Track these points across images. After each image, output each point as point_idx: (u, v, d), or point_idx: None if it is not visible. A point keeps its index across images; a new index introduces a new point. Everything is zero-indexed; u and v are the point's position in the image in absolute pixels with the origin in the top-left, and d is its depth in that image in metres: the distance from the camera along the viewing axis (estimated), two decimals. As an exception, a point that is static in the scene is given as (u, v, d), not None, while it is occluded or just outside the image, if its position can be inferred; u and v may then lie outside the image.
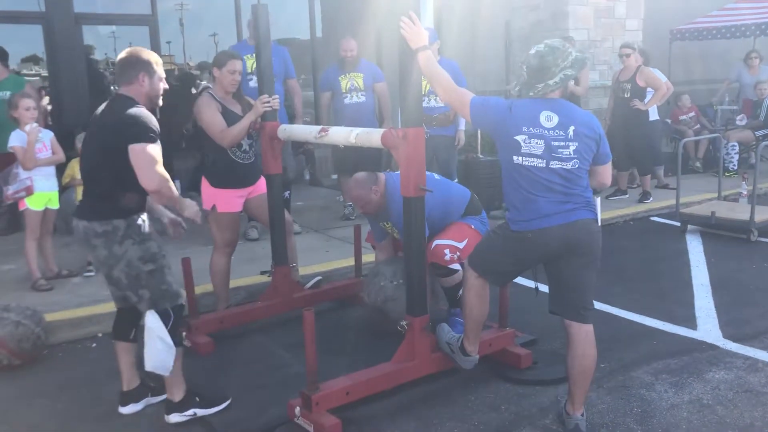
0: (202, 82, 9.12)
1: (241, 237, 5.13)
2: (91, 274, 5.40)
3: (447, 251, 4.06)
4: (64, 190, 5.54)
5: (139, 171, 3.11)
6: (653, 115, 8.30)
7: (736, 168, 9.43)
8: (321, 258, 5.80)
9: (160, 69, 3.37)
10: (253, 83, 6.02)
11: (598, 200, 6.45)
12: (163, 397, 3.53)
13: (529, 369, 3.85)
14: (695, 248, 6.36)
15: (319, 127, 4.01)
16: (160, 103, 3.42)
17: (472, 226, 4.22)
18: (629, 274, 5.67)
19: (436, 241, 4.07)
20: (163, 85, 3.39)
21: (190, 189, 7.29)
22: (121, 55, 3.34)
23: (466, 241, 4.10)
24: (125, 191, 3.23)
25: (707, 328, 4.46)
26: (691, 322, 4.58)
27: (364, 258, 5.09)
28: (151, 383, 3.64)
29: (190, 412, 3.44)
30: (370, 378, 3.48)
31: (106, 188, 3.24)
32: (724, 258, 6.03)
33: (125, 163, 3.12)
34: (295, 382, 3.64)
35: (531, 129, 3.03)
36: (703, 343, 4.22)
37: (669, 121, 10.12)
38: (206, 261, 4.70)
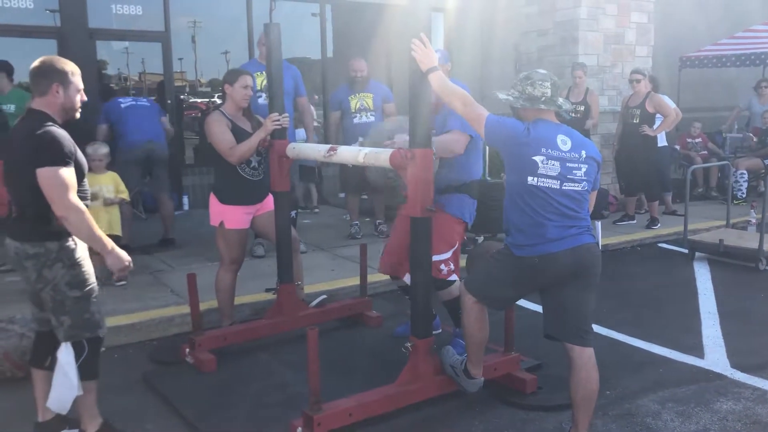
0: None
1: (247, 254, 5.13)
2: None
3: (443, 266, 4.01)
4: None
5: (49, 198, 2.95)
6: (662, 141, 8.30)
7: (744, 196, 9.40)
8: (326, 276, 5.79)
9: (77, 79, 3.15)
10: (262, 100, 6.07)
11: (599, 224, 6.48)
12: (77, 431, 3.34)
13: (534, 394, 3.82)
14: (703, 276, 6.31)
15: (328, 146, 4.02)
16: (77, 115, 3.20)
17: (456, 217, 4.08)
18: (636, 300, 5.62)
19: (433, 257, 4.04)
20: (81, 97, 3.18)
21: (200, 206, 7.36)
22: (34, 63, 3.10)
23: (456, 245, 4.10)
24: (43, 208, 3.01)
25: (715, 357, 4.41)
26: (698, 350, 4.53)
27: (370, 278, 5.08)
28: (69, 416, 3.37)
29: None
30: (373, 399, 3.45)
31: (35, 209, 3.03)
32: (732, 286, 5.98)
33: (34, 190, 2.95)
34: (298, 401, 3.62)
35: (549, 151, 3.07)
36: (711, 372, 4.17)
37: (677, 147, 10.12)
38: (211, 277, 4.70)
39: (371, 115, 6.92)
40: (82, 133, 6.37)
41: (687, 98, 10.74)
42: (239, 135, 4.41)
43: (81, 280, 3.13)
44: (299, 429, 3.25)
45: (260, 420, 3.58)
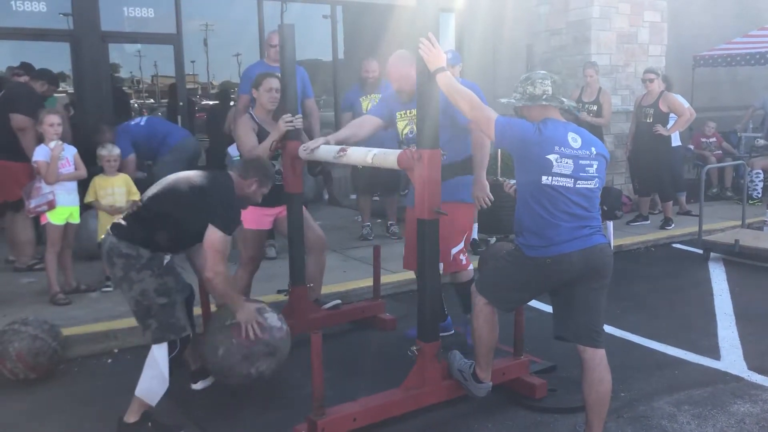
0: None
1: (259, 255, 5.12)
2: (109, 289, 5.42)
3: (462, 257, 4.16)
4: (86, 207, 5.58)
5: (205, 256, 3.41)
6: (675, 141, 8.23)
7: (760, 195, 9.30)
8: (338, 278, 5.78)
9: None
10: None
11: (611, 225, 6.43)
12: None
13: (548, 396, 3.78)
14: (718, 276, 6.25)
15: (338, 147, 4.01)
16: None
17: (466, 202, 4.15)
18: (650, 301, 5.57)
19: (452, 250, 4.10)
20: None
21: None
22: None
23: (468, 230, 4.26)
24: (167, 234, 3.40)
25: (731, 358, 4.36)
26: (714, 352, 4.48)
27: (383, 279, 5.06)
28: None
29: None
30: (378, 404, 3.43)
31: (151, 223, 3.40)
32: (748, 287, 5.91)
33: (194, 226, 3.39)
34: (303, 404, 3.59)
35: (562, 149, 3.06)
36: (727, 374, 4.12)
37: (691, 147, 10.03)
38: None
39: (382, 116, 6.89)
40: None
41: (701, 98, 10.65)
42: (264, 138, 4.43)
43: (168, 288, 3.40)
44: (303, 434, 3.24)
45: (266, 423, 3.57)
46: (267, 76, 4.52)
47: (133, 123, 6.90)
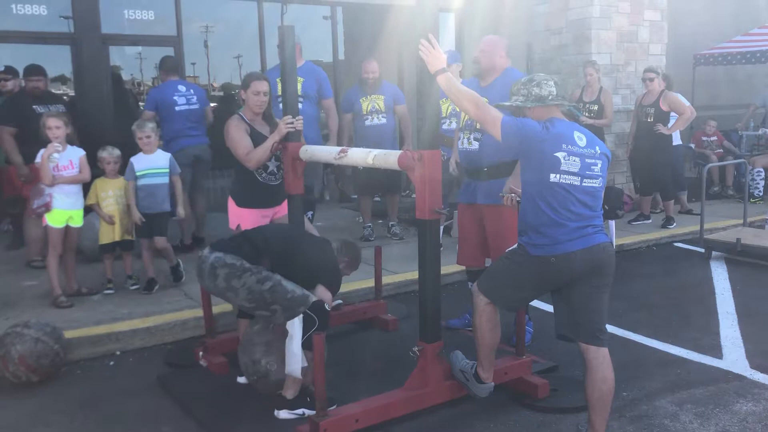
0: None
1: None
2: (111, 291, 5.43)
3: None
4: (89, 211, 5.56)
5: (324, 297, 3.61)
6: (676, 140, 8.22)
7: (761, 194, 9.29)
8: (340, 279, 5.77)
9: None
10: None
11: (612, 224, 6.43)
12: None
13: (550, 396, 3.78)
14: (720, 275, 6.24)
15: (339, 148, 4.02)
16: None
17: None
18: (652, 300, 5.57)
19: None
20: None
21: (213, 209, 7.36)
22: None
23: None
24: (270, 259, 3.62)
25: (734, 357, 4.36)
26: (716, 351, 4.47)
27: (385, 279, 5.06)
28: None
29: (300, 411, 3.56)
30: (381, 405, 3.43)
31: (261, 247, 3.66)
32: (750, 286, 5.91)
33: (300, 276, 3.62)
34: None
35: (569, 147, 3.08)
36: (730, 373, 4.12)
37: (692, 145, 10.03)
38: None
39: (383, 116, 6.90)
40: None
41: (701, 96, 10.65)
42: (257, 139, 4.42)
43: (266, 276, 3.53)
44: (306, 435, 3.24)
45: (269, 424, 3.56)
46: (255, 78, 4.48)
47: (178, 101, 6.62)
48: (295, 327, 3.51)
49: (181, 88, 6.73)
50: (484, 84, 4.38)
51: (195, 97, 6.74)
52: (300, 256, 3.73)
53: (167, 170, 5.52)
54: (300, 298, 3.53)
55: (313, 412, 3.42)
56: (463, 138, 4.37)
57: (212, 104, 10.58)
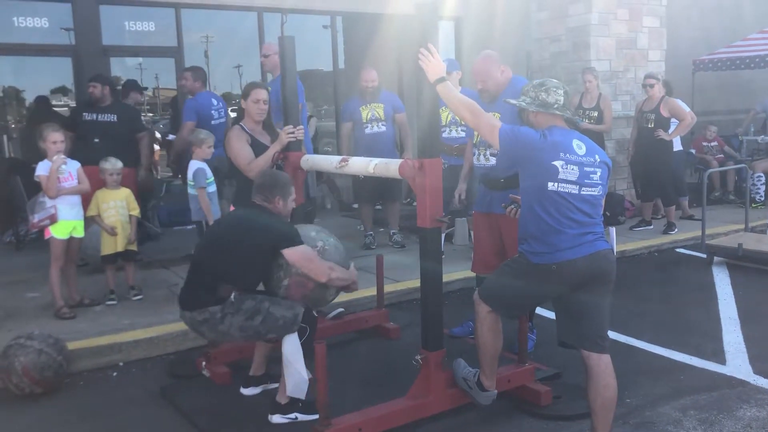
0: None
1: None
2: (113, 302, 5.43)
3: None
4: (89, 223, 5.57)
5: (304, 267, 3.52)
6: (677, 146, 8.23)
7: (763, 199, 9.29)
8: (342, 288, 5.77)
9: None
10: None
11: (613, 230, 6.43)
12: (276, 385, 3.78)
13: (553, 403, 3.77)
14: (722, 281, 6.24)
15: (340, 158, 4.04)
16: None
17: None
18: (655, 306, 5.56)
19: None
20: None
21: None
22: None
23: None
24: (227, 285, 3.50)
25: (737, 363, 4.35)
26: (719, 356, 4.47)
27: (386, 288, 5.06)
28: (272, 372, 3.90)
29: (293, 415, 3.59)
30: (383, 414, 3.42)
31: (209, 281, 3.51)
32: (752, 291, 5.90)
33: (261, 266, 3.55)
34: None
35: (567, 155, 3.08)
36: (733, 378, 4.11)
37: (693, 151, 10.03)
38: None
39: (382, 125, 6.92)
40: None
41: (701, 102, 10.65)
42: (258, 149, 4.44)
43: (255, 310, 3.50)
44: (310, 444, 3.24)
45: (273, 434, 3.56)
46: (255, 87, 4.51)
47: (215, 115, 6.60)
48: (291, 343, 3.52)
49: (214, 101, 6.73)
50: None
51: (223, 111, 6.76)
52: (239, 246, 3.53)
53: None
54: (291, 319, 3.53)
55: (307, 417, 3.50)
56: (479, 154, 4.36)
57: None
